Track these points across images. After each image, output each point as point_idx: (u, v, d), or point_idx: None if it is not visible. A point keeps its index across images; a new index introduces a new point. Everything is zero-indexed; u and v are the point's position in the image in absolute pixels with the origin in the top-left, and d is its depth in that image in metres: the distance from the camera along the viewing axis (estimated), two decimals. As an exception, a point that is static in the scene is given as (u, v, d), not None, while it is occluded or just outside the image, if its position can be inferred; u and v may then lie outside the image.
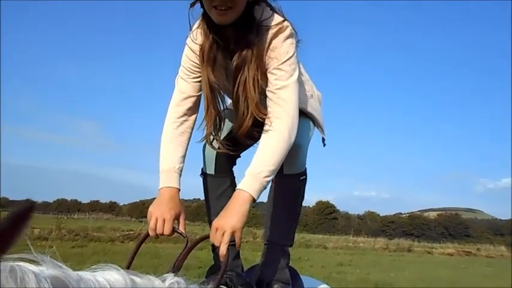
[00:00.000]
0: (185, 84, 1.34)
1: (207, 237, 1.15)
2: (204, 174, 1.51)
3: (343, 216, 68.94)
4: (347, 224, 62.93)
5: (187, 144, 1.35)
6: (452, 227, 66.27)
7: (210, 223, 1.50)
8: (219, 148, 1.38)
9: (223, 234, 1.09)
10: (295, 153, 1.36)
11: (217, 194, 1.47)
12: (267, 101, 1.24)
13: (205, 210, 1.52)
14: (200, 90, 1.34)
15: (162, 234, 1.18)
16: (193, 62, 1.32)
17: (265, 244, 1.48)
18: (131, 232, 12.68)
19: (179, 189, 1.27)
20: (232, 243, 1.12)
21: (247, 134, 1.30)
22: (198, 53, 1.28)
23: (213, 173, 1.46)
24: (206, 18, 1.21)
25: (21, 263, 0.54)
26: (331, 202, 69.37)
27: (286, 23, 1.23)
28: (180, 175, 1.29)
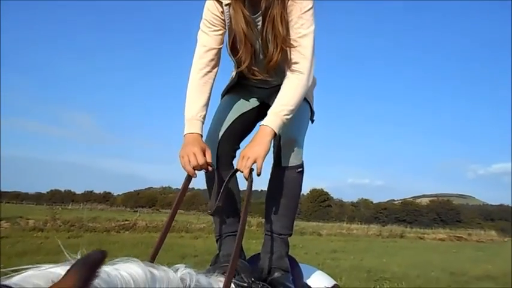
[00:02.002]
0: (207, 37, 1.42)
1: (237, 170, 1.29)
2: None
3: (337, 204, 69.64)
4: (341, 211, 63.55)
5: (210, 94, 1.44)
6: (444, 213, 67.24)
7: (211, 211, 1.51)
8: (254, 75, 1.48)
9: (248, 160, 1.25)
10: (292, 147, 1.46)
11: (218, 185, 1.51)
12: (291, 46, 1.36)
13: (208, 196, 1.55)
14: (221, 43, 1.44)
15: (198, 166, 1.29)
16: (215, 14, 1.40)
17: (265, 234, 1.54)
18: (126, 222, 12.69)
19: (201, 135, 1.38)
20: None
21: (276, 69, 1.42)
22: None
23: (214, 166, 1.49)
24: None
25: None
26: (325, 190, 69.95)
27: None
28: (203, 122, 1.40)
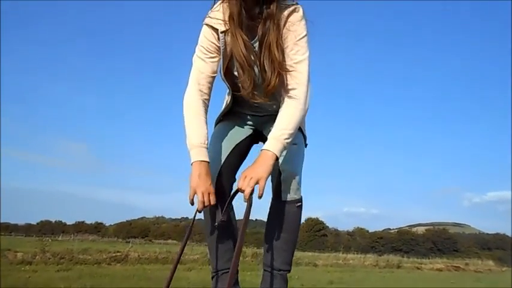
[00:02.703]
0: (203, 64, 1.44)
1: (238, 190, 1.30)
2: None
3: (332, 233, 68.75)
4: (336, 240, 62.67)
5: (207, 123, 1.47)
6: (441, 242, 66.54)
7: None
8: (255, 99, 1.49)
9: (250, 180, 1.26)
10: (292, 181, 1.47)
11: (215, 221, 1.49)
12: (287, 71, 1.40)
13: (206, 241, 1.53)
14: (217, 71, 1.46)
15: (209, 205, 1.34)
16: (211, 41, 1.43)
17: (264, 270, 1.51)
18: (118, 254, 12.36)
19: (209, 163, 1.40)
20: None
21: (274, 93, 1.45)
22: (219, 26, 1.40)
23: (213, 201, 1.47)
24: None
25: None
26: (320, 219, 69.18)
27: (299, 6, 1.42)
28: (207, 149, 1.42)
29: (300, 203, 1.50)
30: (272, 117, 1.50)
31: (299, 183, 1.50)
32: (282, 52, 1.39)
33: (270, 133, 1.37)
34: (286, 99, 1.41)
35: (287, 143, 1.35)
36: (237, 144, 1.57)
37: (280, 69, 1.38)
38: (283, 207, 1.48)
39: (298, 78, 1.39)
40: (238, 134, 1.61)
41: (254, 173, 1.27)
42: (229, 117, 1.63)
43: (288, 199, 1.47)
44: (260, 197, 1.28)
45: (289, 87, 1.40)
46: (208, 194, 1.33)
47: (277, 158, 1.33)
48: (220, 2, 1.43)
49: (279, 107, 1.45)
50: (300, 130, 1.55)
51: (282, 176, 1.45)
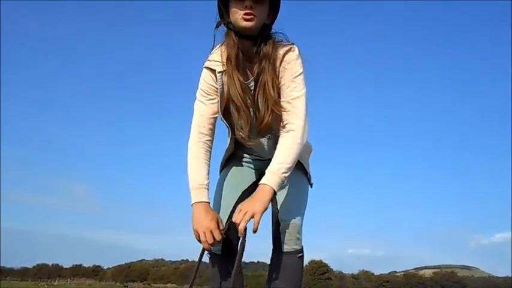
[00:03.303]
0: (203, 106, 1.47)
1: (232, 222, 1.31)
2: (210, 254, 1.52)
3: (337, 276, 66.54)
4: (341, 284, 60.71)
5: (209, 162, 1.48)
6: (449, 286, 64.18)
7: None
8: (249, 139, 1.50)
9: (245, 214, 1.25)
10: (292, 231, 1.44)
11: (223, 273, 1.46)
12: (282, 110, 1.42)
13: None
14: (217, 111, 1.47)
15: (214, 243, 1.32)
16: (209, 84, 1.45)
17: None
18: (115, 298, 11.92)
19: (209, 203, 1.40)
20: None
21: (266, 131, 1.48)
22: (217, 67, 1.43)
23: (219, 253, 1.46)
24: (233, 30, 1.41)
25: None
26: (324, 261, 67.26)
27: (295, 46, 1.45)
28: (208, 189, 1.42)
29: (301, 254, 1.46)
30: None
31: (300, 233, 1.46)
32: (278, 91, 1.41)
33: (269, 167, 1.36)
34: (284, 133, 1.41)
35: (285, 177, 1.34)
36: (243, 192, 1.55)
37: (274, 107, 1.39)
38: (284, 259, 1.44)
39: (295, 113, 1.39)
40: (243, 181, 1.59)
41: (250, 206, 1.27)
42: (233, 161, 1.62)
43: (288, 250, 1.43)
44: (255, 231, 1.26)
45: (286, 122, 1.40)
46: (210, 231, 1.30)
47: (275, 193, 1.33)
48: (219, 45, 1.47)
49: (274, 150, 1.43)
50: (303, 169, 1.54)
51: (281, 226, 1.42)
